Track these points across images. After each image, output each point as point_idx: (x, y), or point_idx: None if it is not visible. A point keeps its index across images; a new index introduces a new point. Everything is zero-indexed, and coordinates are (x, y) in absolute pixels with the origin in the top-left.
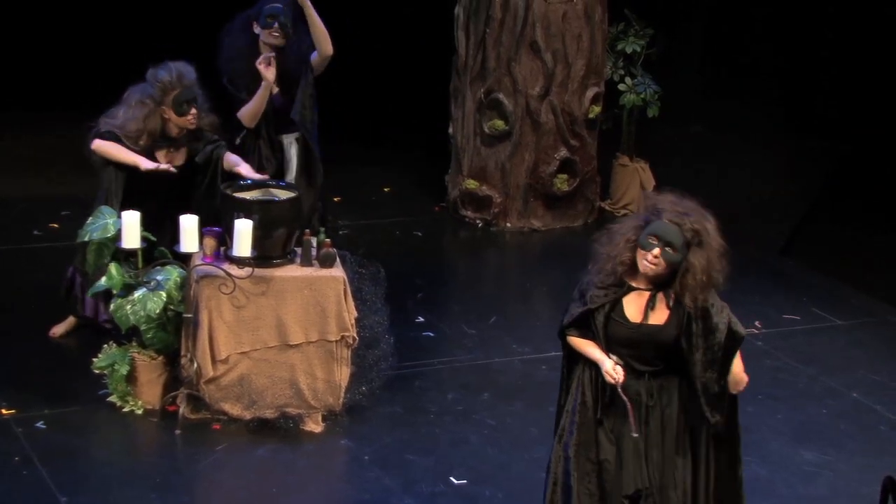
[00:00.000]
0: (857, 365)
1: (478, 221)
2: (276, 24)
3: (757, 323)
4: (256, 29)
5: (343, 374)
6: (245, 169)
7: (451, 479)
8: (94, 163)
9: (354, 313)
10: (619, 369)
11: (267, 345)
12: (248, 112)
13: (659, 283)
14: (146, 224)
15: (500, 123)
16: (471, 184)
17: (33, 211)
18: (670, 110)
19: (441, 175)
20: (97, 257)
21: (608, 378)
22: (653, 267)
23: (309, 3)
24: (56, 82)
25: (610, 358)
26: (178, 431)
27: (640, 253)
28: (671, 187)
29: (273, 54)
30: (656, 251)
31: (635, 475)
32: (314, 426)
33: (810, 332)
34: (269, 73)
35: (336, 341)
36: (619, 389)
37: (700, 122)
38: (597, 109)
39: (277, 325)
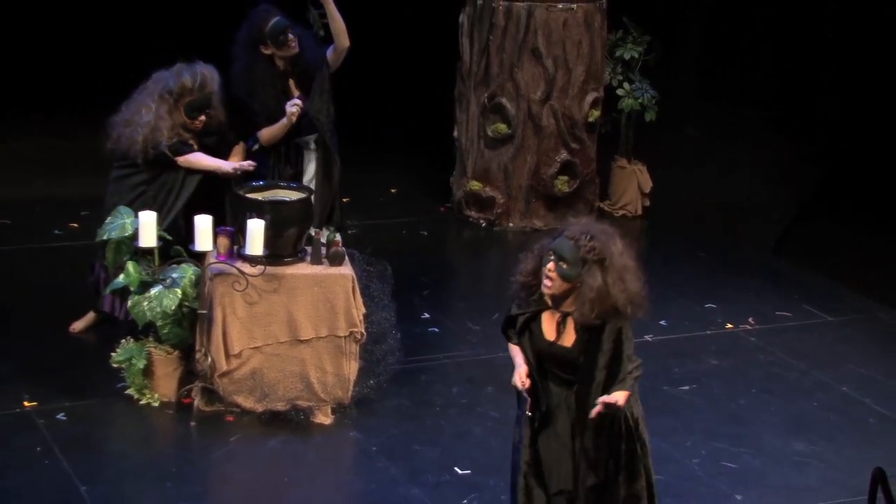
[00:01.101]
0: (846, 360)
1: (481, 221)
2: (290, 36)
3: (751, 319)
4: (268, 50)
5: (352, 368)
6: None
7: (456, 469)
8: (117, 156)
9: (363, 310)
10: (527, 381)
11: (278, 340)
12: (268, 138)
13: (561, 304)
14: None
15: (502, 127)
16: (475, 185)
17: (54, 211)
18: (667, 114)
19: (446, 177)
20: (116, 255)
21: (515, 380)
22: (549, 282)
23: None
24: (74, 88)
25: (528, 364)
26: (192, 423)
27: (543, 270)
28: (669, 189)
29: (301, 104)
30: (550, 265)
31: (561, 476)
32: (324, 418)
33: (802, 329)
34: (294, 115)
35: (345, 337)
36: (524, 389)
37: (696, 125)
38: (596, 113)
39: (288, 320)
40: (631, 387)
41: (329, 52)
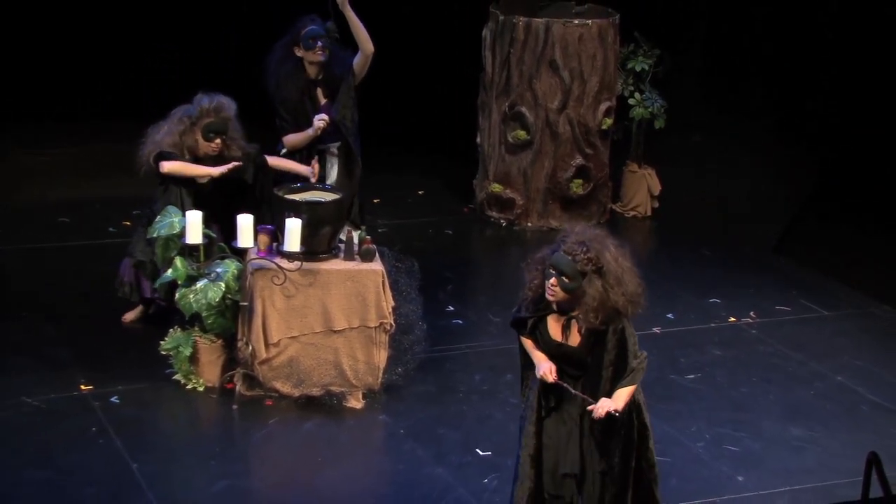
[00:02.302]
0: (841, 351)
1: (502, 221)
2: (319, 44)
3: (752, 313)
4: (300, 52)
5: (381, 356)
6: (303, 169)
7: (478, 450)
8: (144, 173)
9: (392, 303)
10: (555, 371)
11: (314, 330)
12: (291, 144)
13: (567, 310)
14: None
15: (522, 134)
16: (496, 187)
17: (108, 210)
18: (674, 122)
19: (469, 179)
20: (164, 251)
21: (545, 377)
22: (552, 295)
23: (349, 8)
24: (129, 97)
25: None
26: (234, 406)
27: (546, 284)
28: (677, 192)
29: (327, 118)
30: (552, 280)
31: (569, 459)
32: (355, 403)
33: (800, 322)
34: (319, 129)
35: (375, 327)
36: (553, 382)
37: (700, 132)
38: (609, 121)
39: (323, 312)
40: (637, 381)
41: (355, 61)
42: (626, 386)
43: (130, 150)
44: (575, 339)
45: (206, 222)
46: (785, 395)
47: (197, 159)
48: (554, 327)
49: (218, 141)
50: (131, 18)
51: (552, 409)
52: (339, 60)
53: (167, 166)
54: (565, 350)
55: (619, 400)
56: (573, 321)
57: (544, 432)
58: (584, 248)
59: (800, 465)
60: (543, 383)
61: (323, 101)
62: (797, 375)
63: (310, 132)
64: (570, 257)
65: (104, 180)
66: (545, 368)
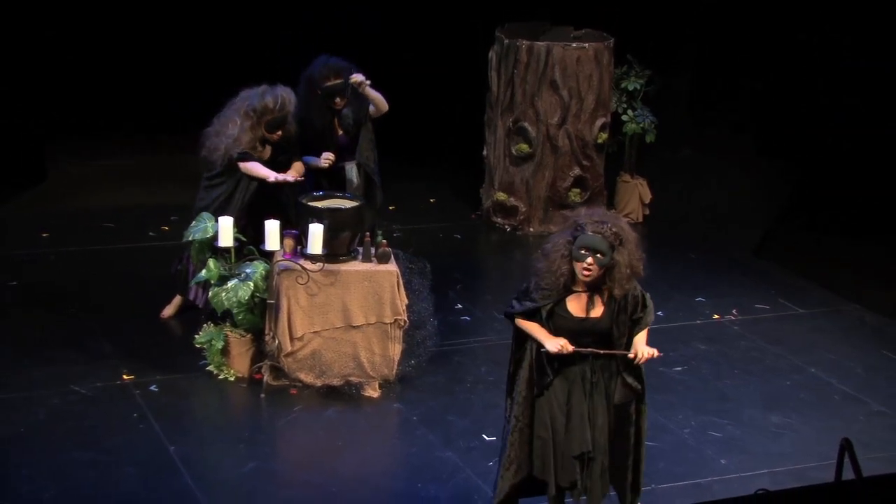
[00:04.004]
0: (815, 346)
1: (506, 227)
2: (337, 100)
3: (734, 311)
4: (319, 91)
5: (396, 350)
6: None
7: (484, 436)
8: (207, 165)
9: (405, 301)
10: (567, 345)
11: (334, 326)
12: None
13: (593, 285)
14: (248, 220)
15: (525, 147)
16: (501, 196)
17: (148, 216)
18: (664, 137)
19: (476, 188)
20: (199, 253)
21: (561, 350)
22: (589, 274)
23: (368, 88)
24: (166, 112)
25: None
26: (262, 395)
27: (576, 264)
28: (666, 202)
29: (333, 158)
30: (589, 260)
31: (581, 440)
32: (372, 392)
33: (778, 319)
34: (323, 165)
35: (390, 323)
36: (573, 351)
37: (687, 146)
38: (604, 136)
39: (343, 309)
40: (649, 322)
41: (371, 108)
42: (642, 330)
43: (168, 162)
44: (598, 312)
45: (240, 217)
46: (764, 386)
47: (264, 142)
48: (575, 306)
49: (280, 132)
50: (171, 39)
51: (545, 387)
52: (355, 100)
53: (244, 166)
54: (589, 324)
55: (641, 344)
56: (596, 295)
57: (538, 421)
58: (608, 225)
59: (777, 449)
60: (547, 357)
61: (340, 132)
62: (775, 368)
63: (319, 162)
64: (599, 236)
65: (145, 189)
66: (560, 343)
